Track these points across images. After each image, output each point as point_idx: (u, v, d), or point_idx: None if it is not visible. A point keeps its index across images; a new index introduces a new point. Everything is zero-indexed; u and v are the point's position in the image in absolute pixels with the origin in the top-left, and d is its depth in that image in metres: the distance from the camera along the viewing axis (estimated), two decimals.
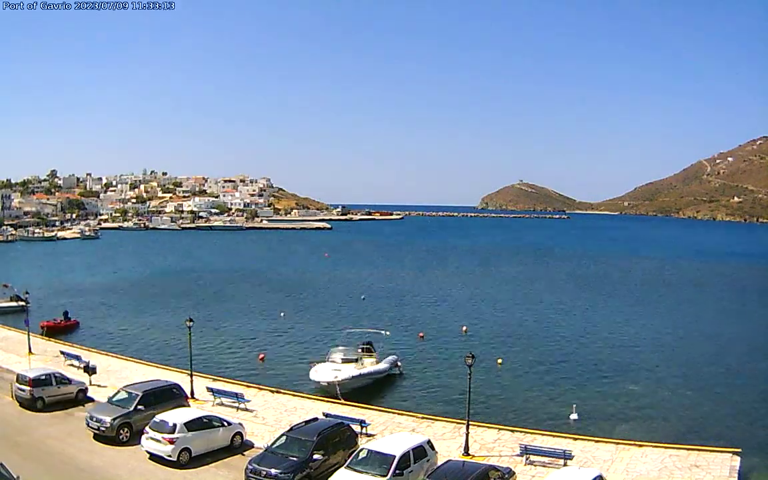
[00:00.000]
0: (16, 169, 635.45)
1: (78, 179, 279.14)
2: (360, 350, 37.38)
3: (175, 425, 22.88)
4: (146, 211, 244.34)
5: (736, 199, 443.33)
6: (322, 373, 34.51)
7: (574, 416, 30.31)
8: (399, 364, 39.06)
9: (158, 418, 23.55)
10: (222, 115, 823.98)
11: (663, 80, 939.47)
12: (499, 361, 41.33)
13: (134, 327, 52.67)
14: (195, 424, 23.52)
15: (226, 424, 24.83)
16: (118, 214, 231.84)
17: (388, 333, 38.60)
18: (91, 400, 29.93)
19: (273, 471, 20.30)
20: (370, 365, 36.51)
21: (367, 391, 34.85)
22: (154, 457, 22.92)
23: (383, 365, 37.38)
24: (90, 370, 33.15)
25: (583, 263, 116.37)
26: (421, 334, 50.21)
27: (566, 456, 23.27)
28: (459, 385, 30.80)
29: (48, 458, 23.07)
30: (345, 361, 35.77)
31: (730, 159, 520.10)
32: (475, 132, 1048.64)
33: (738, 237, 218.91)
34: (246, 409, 29.23)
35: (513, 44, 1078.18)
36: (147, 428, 23.28)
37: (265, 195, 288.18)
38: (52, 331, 47.67)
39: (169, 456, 22.54)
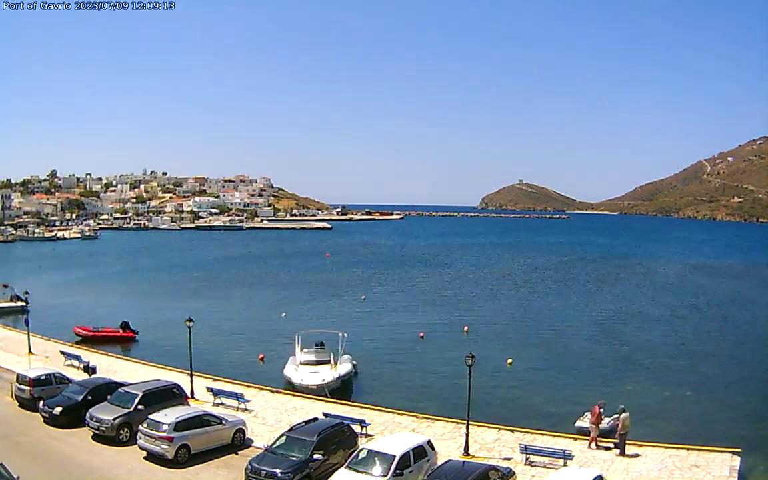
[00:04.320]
0: (16, 169, 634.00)
1: (78, 179, 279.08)
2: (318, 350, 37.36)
3: (170, 423, 22.85)
4: (146, 211, 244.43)
5: (736, 199, 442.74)
6: (306, 376, 34.24)
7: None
8: (354, 363, 38.36)
9: (153, 416, 23.48)
10: (222, 115, 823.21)
11: (663, 80, 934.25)
12: (509, 361, 41.37)
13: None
14: (190, 422, 23.50)
15: (223, 421, 24.82)
16: (118, 214, 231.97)
17: (345, 334, 38.32)
18: None
19: (273, 471, 20.30)
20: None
21: (367, 390, 34.75)
22: (152, 457, 22.89)
23: (348, 365, 36.76)
24: (90, 370, 33.24)
25: (582, 264, 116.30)
26: (421, 334, 50.15)
27: (566, 456, 23.27)
28: (459, 385, 30.74)
29: (48, 458, 23.08)
30: (318, 362, 35.85)
31: (730, 159, 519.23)
32: (475, 132, 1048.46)
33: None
34: (246, 409, 29.23)
35: (512, 44, 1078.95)
36: (142, 427, 23.19)
37: (265, 195, 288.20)
38: (89, 340, 44.91)
39: (167, 454, 22.50)
